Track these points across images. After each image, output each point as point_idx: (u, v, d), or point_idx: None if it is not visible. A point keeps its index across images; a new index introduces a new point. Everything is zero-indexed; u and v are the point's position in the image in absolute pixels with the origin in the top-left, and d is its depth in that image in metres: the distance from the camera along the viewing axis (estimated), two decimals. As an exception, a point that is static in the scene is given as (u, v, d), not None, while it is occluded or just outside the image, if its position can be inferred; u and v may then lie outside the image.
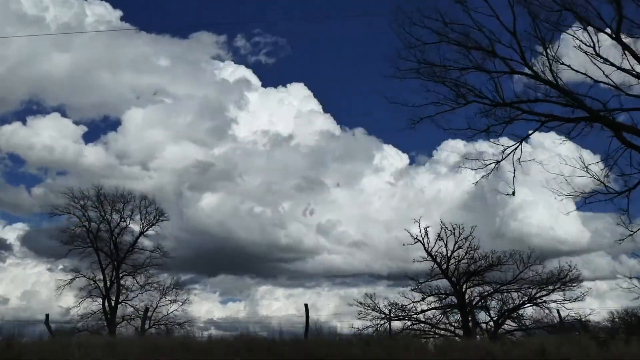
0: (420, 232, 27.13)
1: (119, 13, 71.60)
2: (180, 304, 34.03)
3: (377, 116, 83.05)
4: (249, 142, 68.72)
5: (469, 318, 26.12)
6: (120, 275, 34.09)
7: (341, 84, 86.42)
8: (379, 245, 58.85)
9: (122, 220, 35.19)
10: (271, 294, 63.27)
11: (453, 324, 26.97)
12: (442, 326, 27.00)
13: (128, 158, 65.62)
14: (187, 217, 61.96)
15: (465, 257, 26.63)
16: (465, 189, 64.13)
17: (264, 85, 72.57)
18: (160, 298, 33.82)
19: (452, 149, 71.27)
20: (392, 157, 70.68)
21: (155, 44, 74.86)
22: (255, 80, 71.66)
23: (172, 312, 33.61)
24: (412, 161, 75.73)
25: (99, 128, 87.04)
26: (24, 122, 75.31)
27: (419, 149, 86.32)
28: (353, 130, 75.62)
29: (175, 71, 71.41)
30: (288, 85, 73.81)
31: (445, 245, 26.83)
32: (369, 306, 27.31)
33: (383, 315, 26.93)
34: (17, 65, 65.91)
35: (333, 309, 57.36)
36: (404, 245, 27.95)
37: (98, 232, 34.64)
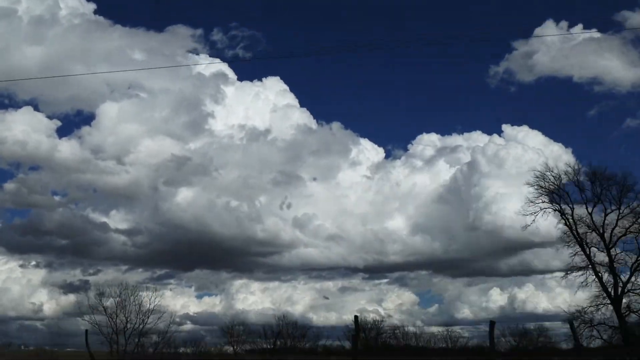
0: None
1: (92, 6, 70.58)
2: None
3: (353, 110, 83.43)
4: (225, 136, 68.53)
5: None
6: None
7: (317, 77, 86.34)
8: (355, 238, 59.41)
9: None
10: (247, 287, 63.70)
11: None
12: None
13: (103, 152, 65.34)
14: (162, 211, 61.82)
15: None
16: (440, 182, 65.10)
17: (240, 79, 72.15)
18: None
19: (427, 142, 72.52)
20: (368, 151, 71.47)
21: (129, 37, 74.14)
22: (231, 74, 71.26)
23: None
24: (388, 155, 76.63)
25: (73, 122, 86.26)
26: (-5, 116, 72.57)
27: (395, 142, 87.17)
28: (330, 124, 76.08)
29: (151, 65, 70.71)
30: (264, 79, 73.38)
31: None
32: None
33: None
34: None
35: (309, 302, 57.90)
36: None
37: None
